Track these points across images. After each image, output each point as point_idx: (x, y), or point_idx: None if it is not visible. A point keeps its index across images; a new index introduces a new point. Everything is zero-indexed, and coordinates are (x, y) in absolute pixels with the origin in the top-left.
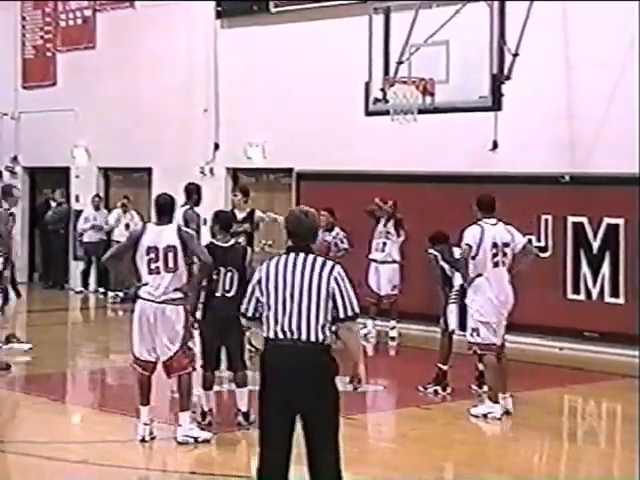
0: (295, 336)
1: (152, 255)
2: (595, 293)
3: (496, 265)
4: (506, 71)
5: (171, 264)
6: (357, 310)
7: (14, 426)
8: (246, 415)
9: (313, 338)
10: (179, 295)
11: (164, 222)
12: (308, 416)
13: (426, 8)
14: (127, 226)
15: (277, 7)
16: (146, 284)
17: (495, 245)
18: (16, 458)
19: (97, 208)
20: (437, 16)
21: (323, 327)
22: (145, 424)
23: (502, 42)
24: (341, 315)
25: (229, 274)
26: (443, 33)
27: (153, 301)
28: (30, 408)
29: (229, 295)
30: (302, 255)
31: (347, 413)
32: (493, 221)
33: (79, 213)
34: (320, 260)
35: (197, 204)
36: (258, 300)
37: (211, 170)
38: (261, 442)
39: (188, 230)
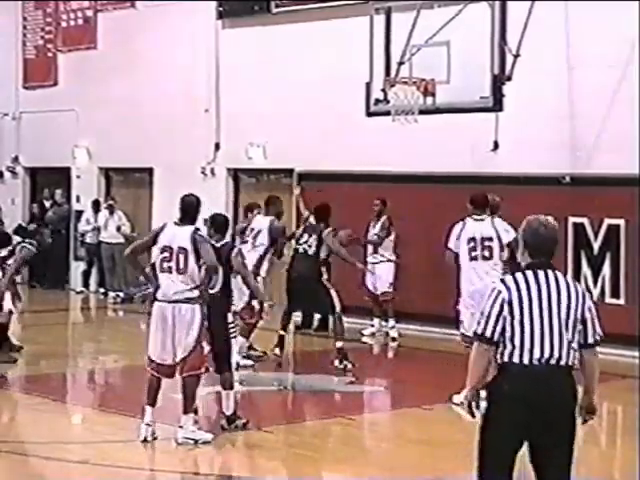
0: (554, 361)
1: (166, 254)
2: (596, 294)
3: (474, 259)
4: (507, 72)
5: (181, 265)
6: (602, 334)
7: (14, 426)
8: (229, 419)
9: (570, 362)
10: (195, 294)
11: (184, 223)
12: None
13: (427, 8)
14: (118, 228)
15: (278, 7)
16: (159, 286)
17: (472, 239)
18: (16, 458)
19: (96, 211)
20: (438, 16)
21: (574, 351)
22: (148, 424)
23: (503, 43)
24: (590, 340)
25: None
26: (444, 33)
27: (168, 301)
28: (30, 408)
29: (213, 292)
30: (550, 273)
31: (347, 413)
32: (481, 217)
33: (80, 213)
34: (569, 280)
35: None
36: (505, 321)
37: (212, 170)
38: (489, 466)
39: (202, 233)
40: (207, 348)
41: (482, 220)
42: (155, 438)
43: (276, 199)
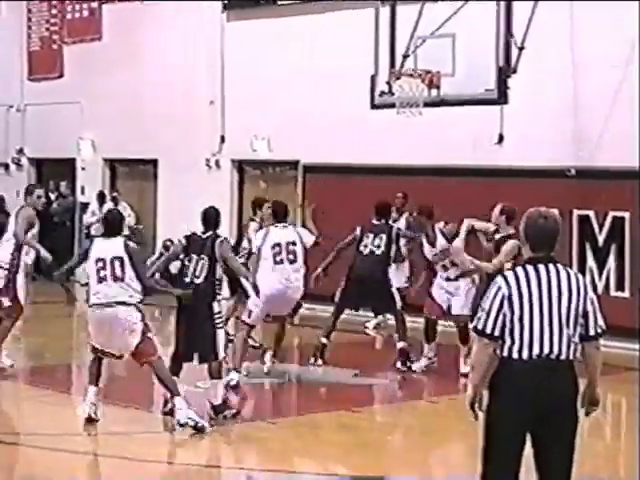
0: (554, 356)
1: (100, 264)
2: (600, 286)
3: (279, 263)
4: (512, 64)
5: (118, 273)
6: (604, 327)
7: (19, 417)
8: (216, 409)
9: (571, 356)
10: (132, 300)
11: (110, 236)
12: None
13: (432, 0)
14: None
15: (282, 0)
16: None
17: (278, 245)
18: (21, 450)
19: (102, 203)
20: (443, 9)
21: (575, 344)
22: (92, 404)
23: (508, 35)
24: (591, 332)
25: (200, 262)
26: (449, 26)
27: (104, 305)
28: (36, 400)
29: (198, 281)
30: (551, 267)
31: (353, 405)
32: (282, 225)
33: (85, 205)
34: (571, 273)
35: None
36: (505, 317)
37: (217, 162)
38: (492, 462)
39: (131, 244)
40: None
41: (286, 227)
42: (97, 420)
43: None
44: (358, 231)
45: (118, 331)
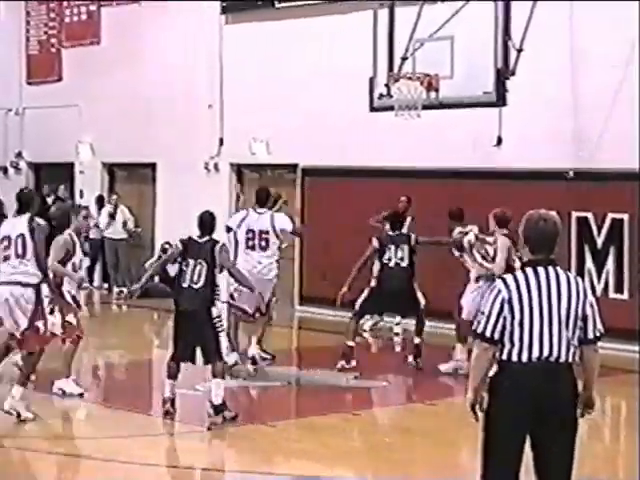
0: (553, 359)
1: (5, 243)
2: (599, 289)
3: (251, 248)
4: (511, 67)
5: (20, 251)
6: (603, 330)
7: (18, 421)
8: (217, 408)
9: (570, 359)
10: (32, 280)
11: (20, 213)
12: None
13: (431, 3)
14: (124, 224)
15: (281, 2)
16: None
17: (251, 231)
18: (20, 453)
19: (100, 207)
20: (442, 11)
21: (574, 347)
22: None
23: (507, 37)
24: (590, 336)
25: (198, 266)
26: (448, 28)
27: (6, 283)
28: (33, 403)
29: (196, 287)
30: (551, 270)
31: (352, 409)
32: (261, 210)
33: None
34: (571, 277)
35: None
36: (505, 320)
37: (215, 165)
38: (491, 464)
39: (40, 222)
40: (42, 328)
41: (262, 214)
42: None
43: None
44: (375, 243)
45: (9, 308)
